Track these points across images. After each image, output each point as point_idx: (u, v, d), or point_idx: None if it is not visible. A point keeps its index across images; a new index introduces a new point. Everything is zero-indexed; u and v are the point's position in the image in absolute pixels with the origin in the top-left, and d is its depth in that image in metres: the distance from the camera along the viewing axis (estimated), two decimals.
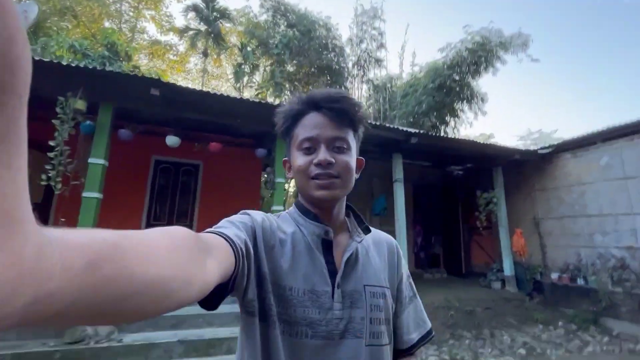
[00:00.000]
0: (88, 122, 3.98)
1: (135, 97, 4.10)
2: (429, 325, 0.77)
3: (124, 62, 10.53)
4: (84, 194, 3.80)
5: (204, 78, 19.17)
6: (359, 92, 19.54)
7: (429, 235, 8.32)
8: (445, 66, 14.40)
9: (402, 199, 5.42)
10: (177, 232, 0.37)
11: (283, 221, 0.67)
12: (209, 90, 4.22)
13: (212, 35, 15.29)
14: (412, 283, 0.79)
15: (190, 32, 15.31)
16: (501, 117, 53.08)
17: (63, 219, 3.78)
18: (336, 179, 0.62)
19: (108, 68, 9.29)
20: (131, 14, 16.10)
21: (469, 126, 23.55)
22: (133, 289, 0.27)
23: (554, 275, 5.82)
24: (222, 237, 0.49)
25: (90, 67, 3.79)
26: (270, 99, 18.05)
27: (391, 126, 4.98)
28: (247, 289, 0.56)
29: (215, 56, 17.28)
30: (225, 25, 16.42)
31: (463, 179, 7.94)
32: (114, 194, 5.30)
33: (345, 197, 0.68)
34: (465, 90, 14.70)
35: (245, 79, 17.95)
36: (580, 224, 5.70)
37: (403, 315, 0.72)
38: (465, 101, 15.00)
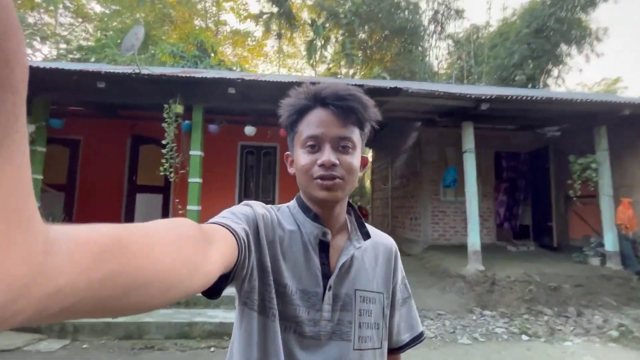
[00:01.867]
0: (186, 121, 4.93)
1: (218, 96, 4.86)
2: (421, 328, 0.77)
3: (211, 58, 11.91)
4: (189, 180, 4.81)
5: (280, 59, 20.12)
6: (437, 51, 17.86)
7: (514, 205, 7.64)
8: (546, 4, 12.03)
9: (473, 171, 5.16)
10: (180, 224, 0.37)
11: (282, 216, 0.66)
12: (270, 79, 4.67)
13: (284, 15, 15.80)
14: (407, 284, 0.78)
15: (264, 16, 16.11)
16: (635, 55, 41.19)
17: (177, 200, 4.88)
18: (339, 180, 0.61)
19: (200, 66, 10.67)
20: (214, 9, 17.71)
21: (579, 72, 19.32)
22: (140, 281, 0.28)
23: None
24: (226, 227, 0.50)
25: (183, 75, 4.63)
26: (342, 71, 18.01)
27: (457, 93, 4.69)
28: (245, 280, 0.57)
29: (288, 35, 17.87)
30: (295, 2, 16.71)
31: (558, 141, 6.92)
32: (211, 177, 6.42)
33: (347, 196, 0.67)
34: (574, 30, 12.12)
35: (318, 54, 18.22)
36: None
37: (395, 317, 0.73)
38: (573, 43, 12.41)
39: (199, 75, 4.68)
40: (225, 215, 0.56)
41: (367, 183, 20.81)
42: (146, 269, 0.29)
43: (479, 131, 6.09)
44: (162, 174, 4.57)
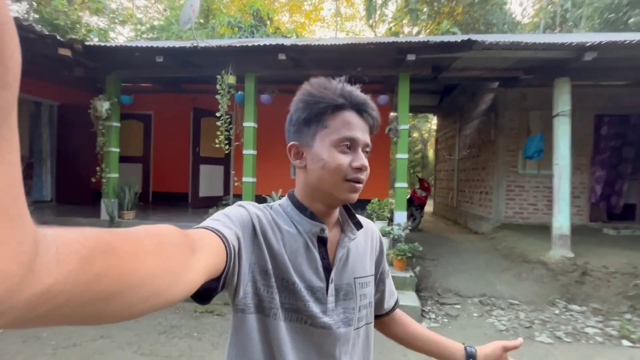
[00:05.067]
0: (239, 92, 4.87)
1: (269, 64, 4.65)
2: (396, 293, 0.86)
3: (267, 27, 11.72)
4: (244, 152, 4.83)
5: (338, 22, 19.09)
6: None
7: (618, 179, 6.29)
8: None
9: (567, 139, 4.23)
10: (165, 231, 0.37)
11: (277, 216, 0.67)
12: (321, 42, 4.26)
13: None
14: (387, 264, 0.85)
15: None
16: None
17: (233, 172, 4.97)
18: (361, 184, 0.64)
19: (256, 36, 10.59)
20: None
21: None
22: (123, 286, 0.28)
23: None
24: (215, 233, 0.50)
25: (233, 44, 4.50)
26: (405, 30, 16.41)
27: (552, 42, 3.75)
28: (238, 286, 0.57)
29: None
30: None
31: None
32: (266, 149, 6.42)
33: None
34: None
35: (378, 13, 16.79)
36: None
37: (386, 289, 0.82)
38: None
39: (249, 44, 4.50)
40: (218, 219, 0.57)
41: (430, 152, 19.47)
42: (131, 275, 0.29)
43: (574, 90, 4.95)
44: (217, 146, 4.64)
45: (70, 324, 0.27)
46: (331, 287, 0.66)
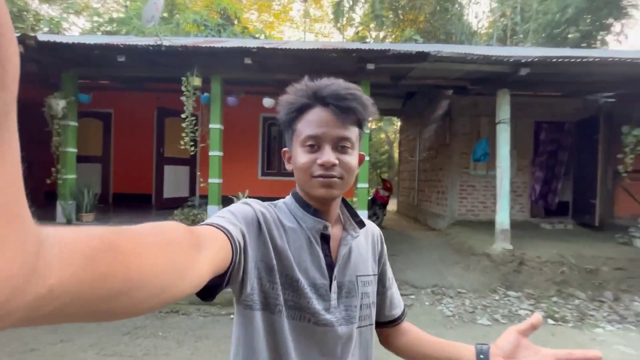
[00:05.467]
0: (205, 94, 4.90)
1: (236, 67, 4.73)
2: (403, 305, 0.83)
3: (234, 26, 11.63)
4: (210, 153, 4.88)
5: (306, 23, 19.27)
6: (476, 7, 16.16)
7: (553, 180, 7.06)
8: None
9: (507, 144, 4.75)
10: (170, 228, 0.37)
11: (280, 213, 0.67)
12: (289, 47, 4.43)
13: None
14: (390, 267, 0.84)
15: None
16: None
17: (199, 173, 4.99)
18: (338, 179, 0.63)
19: (223, 35, 10.47)
20: None
21: None
22: (130, 284, 0.28)
23: None
24: (220, 229, 0.50)
25: (199, 45, 4.53)
26: (372, 34, 16.96)
27: (493, 56, 4.21)
28: (244, 282, 0.57)
29: None
30: None
31: (610, 109, 6.15)
32: (233, 150, 6.46)
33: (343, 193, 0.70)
34: None
35: (346, 16, 17.19)
36: None
37: (388, 294, 0.79)
38: None
39: (216, 45, 4.55)
40: (223, 215, 0.57)
41: (396, 154, 20.24)
42: (136, 272, 0.29)
43: (517, 99, 5.53)
44: (182, 147, 4.64)
45: (80, 322, 0.28)
46: (334, 284, 0.66)
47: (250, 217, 0.60)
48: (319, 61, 4.61)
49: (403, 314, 0.81)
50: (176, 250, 0.36)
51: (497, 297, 4.08)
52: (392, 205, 11.28)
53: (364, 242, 0.75)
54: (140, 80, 6.10)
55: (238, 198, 5.05)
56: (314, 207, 0.67)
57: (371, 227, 0.79)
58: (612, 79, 4.76)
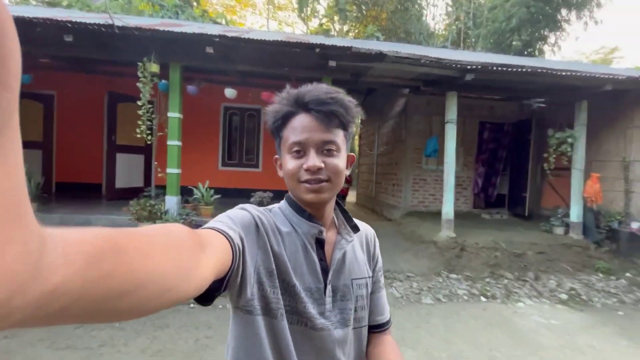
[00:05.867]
0: (163, 81, 4.73)
1: (196, 55, 4.62)
2: (388, 315, 0.82)
3: (194, 8, 11.08)
4: (168, 143, 4.75)
5: (270, 11, 18.85)
6: (434, 10, 16.96)
7: (493, 175, 7.86)
8: None
9: (453, 142, 5.22)
10: (174, 230, 0.37)
11: (276, 218, 0.68)
12: (252, 37, 4.40)
13: None
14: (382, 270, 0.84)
15: None
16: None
17: (156, 163, 4.83)
18: (326, 182, 0.64)
19: (180, 18, 9.94)
20: None
21: (575, 40, 18.85)
22: (134, 284, 0.28)
23: (635, 225, 5.20)
24: (221, 233, 0.51)
25: (158, 29, 4.34)
26: (336, 27, 17.07)
27: (443, 61, 4.58)
28: (243, 287, 0.57)
29: None
30: None
31: (541, 113, 6.97)
32: (193, 139, 6.32)
33: (335, 196, 0.70)
34: None
35: (310, 7, 17.10)
36: None
37: (375, 296, 0.78)
38: (573, 8, 11.96)
39: (175, 30, 4.40)
40: (222, 220, 0.58)
41: (356, 148, 20.79)
42: (141, 272, 0.29)
43: (465, 100, 6.06)
44: (138, 136, 4.47)
45: (85, 322, 0.27)
46: (328, 288, 0.67)
47: (248, 222, 0.61)
48: (282, 55, 4.67)
49: (386, 324, 0.79)
50: (181, 250, 0.36)
51: (440, 280, 4.54)
52: (351, 197, 11.72)
53: (359, 245, 0.76)
54: (88, 62, 5.68)
55: (198, 189, 5.00)
56: (309, 212, 0.68)
57: (365, 229, 0.80)
58: (542, 87, 5.42)
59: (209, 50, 4.33)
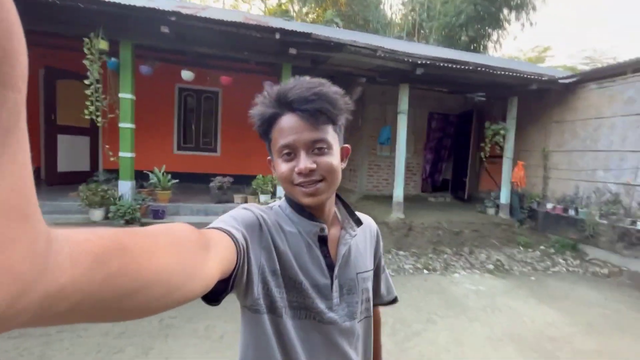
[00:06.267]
0: (113, 59, 4.46)
1: (149, 34, 4.41)
2: (395, 293, 0.88)
3: None
4: (120, 125, 4.53)
5: None
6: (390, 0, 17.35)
7: (439, 161, 8.59)
8: None
9: (404, 132, 5.64)
10: (179, 229, 0.38)
11: (278, 217, 0.68)
12: (209, 15, 4.27)
13: None
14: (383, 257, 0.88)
15: None
16: (567, 28, 44.54)
17: (107, 146, 4.59)
18: (321, 182, 0.63)
19: None
20: None
21: (514, 40, 20.69)
22: (140, 284, 0.28)
23: (549, 205, 6.13)
24: (225, 233, 0.51)
25: (107, 0, 4.05)
26: (295, 8, 16.75)
27: (397, 54, 4.90)
28: (249, 286, 0.58)
29: None
30: None
31: (481, 106, 7.72)
32: (147, 122, 6.04)
33: (335, 192, 0.69)
34: None
35: None
36: (586, 159, 5.69)
37: (379, 278, 0.83)
38: (513, 9, 13.07)
39: (124, 2, 4.12)
40: (225, 220, 0.58)
41: None
42: (147, 272, 0.29)
43: (417, 91, 6.52)
44: (87, 117, 4.22)
45: (92, 321, 0.27)
46: (335, 283, 0.68)
47: (252, 222, 0.60)
48: (242, 39, 4.63)
49: (394, 301, 0.87)
50: (186, 250, 0.36)
51: (390, 256, 5.02)
52: None
53: (362, 238, 0.76)
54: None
55: (154, 173, 4.87)
56: (309, 211, 0.67)
57: (368, 222, 0.81)
58: (481, 83, 6.02)
59: (164, 30, 4.16)
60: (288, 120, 0.62)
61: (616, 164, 5.24)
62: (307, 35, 4.60)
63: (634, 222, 4.90)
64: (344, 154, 0.70)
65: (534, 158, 6.60)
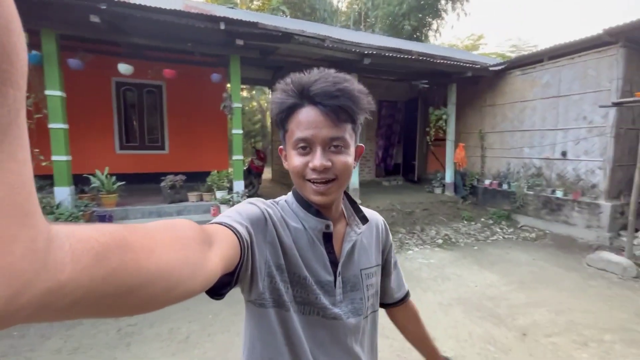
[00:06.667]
0: (33, 52, 3.98)
1: (78, 24, 4.00)
2: (407, 287, 0.88)
3: None
4: (50, 126, 4.09)
5: None
6: None
7: (390, 147, 9.02)
8: None
9: None
10: (181, 225, 0.38)
11: (284, 212, 0.67)
12: (147, 4, 4.01)
13: None
14: (394, 253, 0.86)
15: None
16: (497, 18, 48.49)
17: (37, 150, 4.12)
18: (333, 181, 0.62)
19: None
20: None
21: (451, 29, 22.14)
22: (141, 280, 0.29)
23: (487, 182, 6.80)
24: (229, 228, 0.50)
25: None
26: None
27: (345, 45, 5.02)
28: (254, 281, 0.58)
29: None
30: None
31: (425, 93, 8.22)
32: (83, 121, 5.52)
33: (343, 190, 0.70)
34: None
35: None
36: (515, 138, 6.39)
37: (391, 278, 0.82)
38: (449, 0, 13.88)
39: None
40: (230, 215, 0.57)
41: (269, 123, 20.63)
42: (148, 269, 0.29)
43: (366, 80, 6.70)
44: None
45: (94, 317, 0.28)
46: (339, 279, 0.67)
47: (257, 217, 0.60)
48: (184, 29, 4.39)
49: (406, 296, 0.86)
50: (188, 246, 0.36)
51: None
52: (267, 174, 11.88)
53: (368, 235, 0.76)
54: None
55: (96, 176, 4.52)
56: (316, 208, 0.66)
57: (375, 217, 0.80)
58: (424, 71, 6.40)
59: (94, 19, 3.80)
60: (308, 114, 0.60)
61: (538, 142, 5.96)
62: (254, 24, 4.50)
63: (553, 191, 5.65)
64: (357, 154, 0.68)
65: (473, 139, 7.23)
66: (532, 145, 6.07)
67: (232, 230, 0.50)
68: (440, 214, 6.42)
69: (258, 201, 0.65)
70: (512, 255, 4.76)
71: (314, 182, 0.61)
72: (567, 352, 2.47)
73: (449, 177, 6.93)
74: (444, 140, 7.12)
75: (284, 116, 0.63)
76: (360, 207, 0.75)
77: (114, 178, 4.56)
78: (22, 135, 0.20)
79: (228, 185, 5.11)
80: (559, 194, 5.53)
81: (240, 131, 5.05)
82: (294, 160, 0.62)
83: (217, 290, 0.50)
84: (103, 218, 4.19)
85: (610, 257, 4.13)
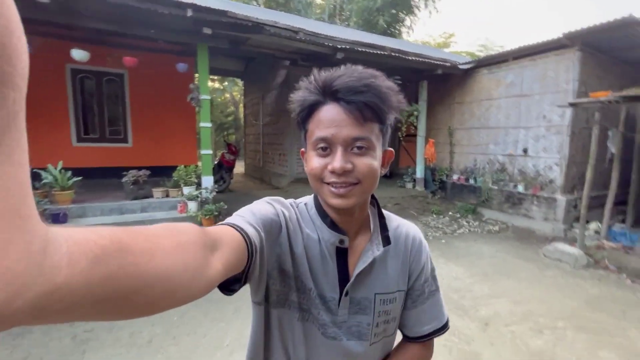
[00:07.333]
0: None
1: (20, 1, 3.62)
2: (445, 318, 0.72)
3: None
4: None
5: None
6: None
7: None
8: None
9: None
10: (182, 228, 0.37)
11: (302, 217, 0.64)
12: None
13: None
14: (436, 276, 0.73)
15: None
16: (468, 18, 50.08)
17: None
18: (355, 185, 0.56)
19: None
20: None
21: (423, 25, 22.62)
22: (139, 285, 0.28)
23: (455, 177, 7.04)
24: (237, 229, 0.48)
25: None
26: None
27: (317, 38, 4.94)
28: (261, 283, 0.57)
29: None
30: None
31: (399, 89, 8.32)
32: (32, 111, 5.06)
33: (369, 197, 0.63)
34: None
35: None
36: (481, 135, 6.64)
37: (417, 309, 0.70)
38: None
39: None
40: (243, 215, 0.54)
41: (242, 115, 20.16)
42: (146, 273, 0.29)
43: None
44: None
45: (93, 320, 0.27)
46: (345, 299, 0.62)
47: (271, 218, 0.57)
48: (146, 14, 4.12)
49: (432, 334, 0.70)
50: (188, 250, 0.35)
51: None
52: (239, 168, 11.62)
53: (394, 254, 0.67)
54: None
55: (48, 171, 4.18)
56: (331, 218, 0.62)
57: (406, 232, 0.70)
58: (397, 67, 6.46)
59: None
60: (329, 111, 0.55)
61: (502, 139, 6.24)
62: (223, 13, 4.31)
63: (515, 186, 5.95)
64: (385, 159, 0.62)
65: (442, 136, 7.44)
66: (497, 142, 6.34)
67: (241, 233, 0.48)
68: (411, 209, 6.57)
69: (274, 200, 0.62)
70: (476, 247, 4.97)
71: (332, 185, 0.56)
72: (524, 340, 2.61)
73: (419, 172, 7.10)
74: (415, 136, 7.27)
75: (304, 115, 0.59)
76: (392, 222, 0.68)
77: (69, 173, 4.24)
78: (20, 137, 0.20)
79: (196, 180, 4.91)
80: (520, 188, 5.83)
81: (209, 124, 4.85)
82: (313, 161, 0.57)
83: (229, 286, 0.49)
84: (57, 216, 3.89)
85: (564, 248, 4.42)
